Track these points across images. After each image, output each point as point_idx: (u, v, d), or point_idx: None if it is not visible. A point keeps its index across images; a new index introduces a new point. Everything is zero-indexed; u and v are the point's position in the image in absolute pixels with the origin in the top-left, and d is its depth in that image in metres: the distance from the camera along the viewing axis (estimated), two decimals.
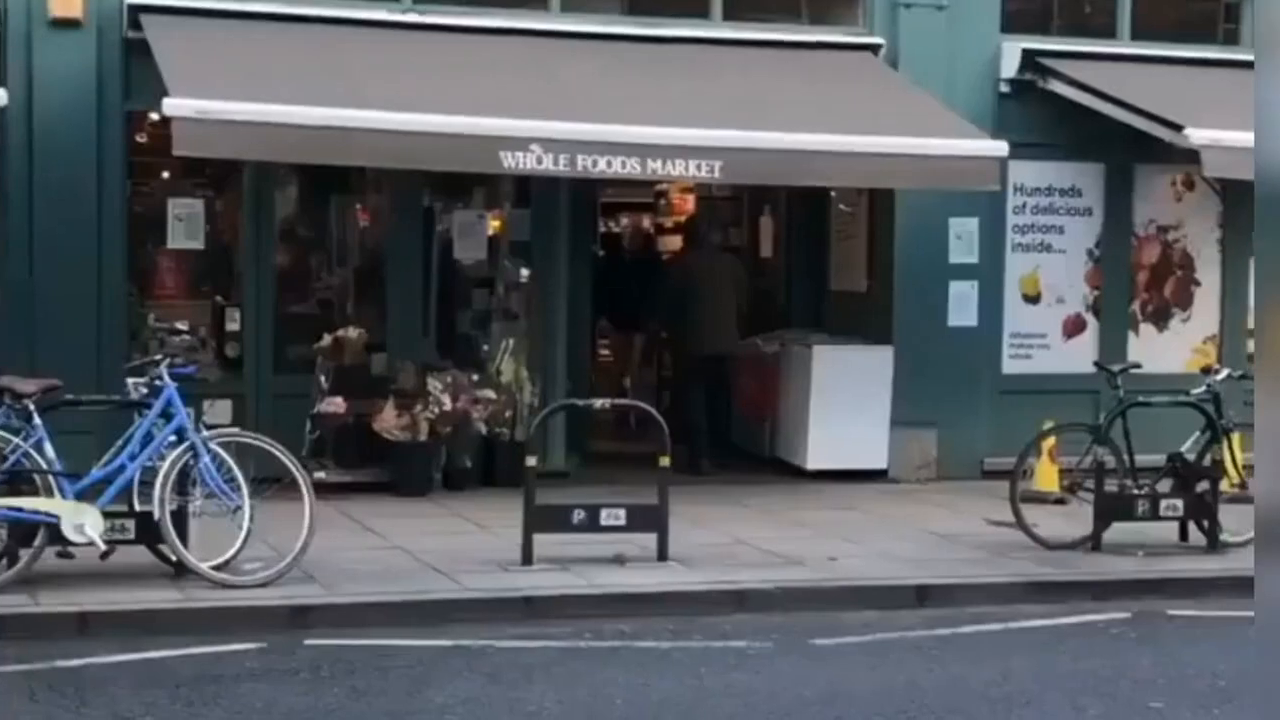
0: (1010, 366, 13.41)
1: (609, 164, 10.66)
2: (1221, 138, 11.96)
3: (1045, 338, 13.54)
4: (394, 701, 7.04)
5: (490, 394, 12.17)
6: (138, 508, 8.76)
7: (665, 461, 9.55)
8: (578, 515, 9.43)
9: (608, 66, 11.95)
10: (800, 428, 13.02)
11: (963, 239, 13.07)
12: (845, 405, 12.77)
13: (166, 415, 8.84)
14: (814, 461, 12.89)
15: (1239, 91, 13.02)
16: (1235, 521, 10.54)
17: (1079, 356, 13.24)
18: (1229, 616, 9.09)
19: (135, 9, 11.39)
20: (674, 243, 16.77)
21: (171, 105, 9.95)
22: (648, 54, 12.27)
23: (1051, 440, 11.46)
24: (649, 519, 9.49)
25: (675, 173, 11.11)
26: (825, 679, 7.58)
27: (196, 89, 10.12)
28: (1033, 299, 13.54)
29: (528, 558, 9.32)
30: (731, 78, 12.06)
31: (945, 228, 12.99)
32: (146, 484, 8.72)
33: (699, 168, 10.89)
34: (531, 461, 9.42)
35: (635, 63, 12.10)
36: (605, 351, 15.94)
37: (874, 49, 12.93)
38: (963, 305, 13.09)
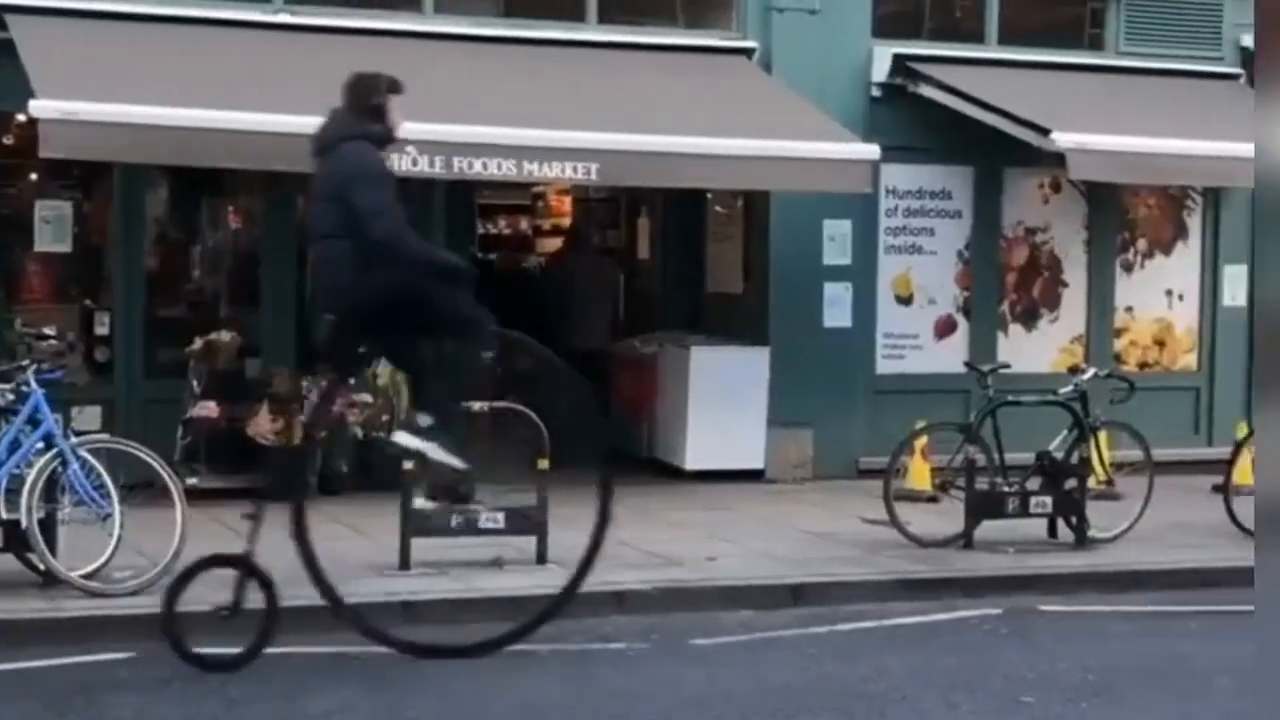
0: (884, 366, 13.55)
1: (485, 166, 10.67)
2: (1087, 141, 12.17)
3: (917, 338, 13.69)
4: (270, 710, 6.97)
5: (366, 398, 12.07)
6: (4, 516, 8.59)
7: (543, 464, 9.54)
8: (455, 519, 9.39)
9: (483, 68, 11.91)
10: (678, 428, 13.06)
11: (836, 241, 13.19)
12: (722, 406, 12.82)
13: (34, 421, 8.69)
14: (692, 462, 12.93)
15: (1105, 95, 13.34)
16: (1103, 518, 10.76)
17: (950, 357, 13.40)
18: (1098, 611, 9.29)
19: (1, 9, 11.14)
20: (552, 245, 16.74)
21: (37, 107, 9.80)
22: (523, 56, 12.24)
23: (924, 439, 11.61)
24: (527, 522, 9.48)
25: (552, 174, 11.14)
26: (704, 679, 7.62)
27: (63, 90, 9.96)
28: (905, 300, 13.69)
29: (405, 562, 9.26)
30: (607, 80, 12.08)
31: (819, 230, 13.10)
32: (14, 492, 8.56)
33: (575, 170, 10.93)
34: (408, 465, 9.37)
35: (510, 65, 12.07)
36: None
37: (748, 53, 13.02)
38: (837, 306, 13.21)
